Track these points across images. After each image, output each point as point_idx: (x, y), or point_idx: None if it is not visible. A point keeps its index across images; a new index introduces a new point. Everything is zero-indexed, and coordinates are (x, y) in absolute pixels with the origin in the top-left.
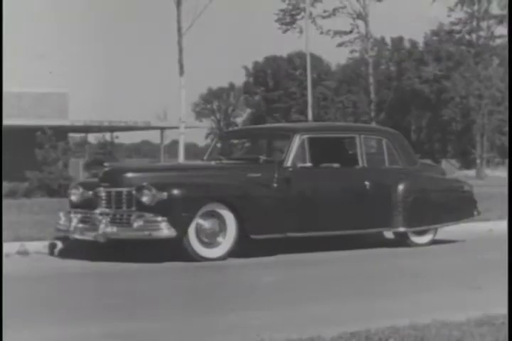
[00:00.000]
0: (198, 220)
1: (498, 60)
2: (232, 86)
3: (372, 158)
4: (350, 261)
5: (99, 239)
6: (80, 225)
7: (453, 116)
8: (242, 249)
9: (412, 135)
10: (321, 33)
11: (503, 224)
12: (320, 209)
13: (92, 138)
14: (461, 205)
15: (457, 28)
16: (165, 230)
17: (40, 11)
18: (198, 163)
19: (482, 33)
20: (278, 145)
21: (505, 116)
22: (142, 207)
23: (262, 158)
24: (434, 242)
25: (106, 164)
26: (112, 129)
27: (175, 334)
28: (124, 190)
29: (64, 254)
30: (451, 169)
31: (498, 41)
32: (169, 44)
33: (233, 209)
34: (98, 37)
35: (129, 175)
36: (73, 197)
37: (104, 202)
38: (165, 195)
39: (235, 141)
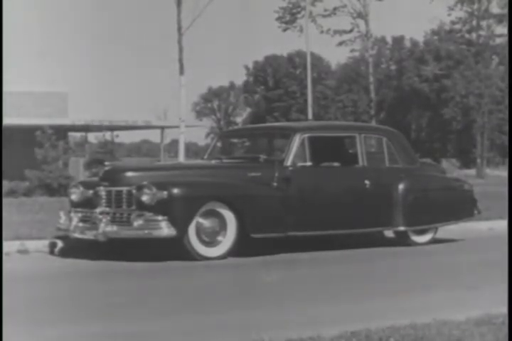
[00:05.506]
0: (198, 219)
1: (498, 59)
2: (232, 85)
3: (373, 157)
4: (351, 260)
5: (100, 238)
6: (80, 224)
7: (453, 115)
8: (242, 248)
9: (412, 134)
10: (321, 32)
11: (504, 223)
12: (320, 208)
13: (92, 137)
14: (461, 204)
15: (457, 27)
16: (165, 229)
17: (40, 11)
18: (198, 162)
19: (482, 32)
20: (278, 145)
21: (506, 115)
22: (142, 206)
23: (262, 157)
24: (434, 241)
25: (106, 163)
26: (112, 128)
27: (175, 334)
28: (125, 189)
29: (64, 253)
30: (451, 168)
31: (498, 40)
32: (169, 43)
33: (233, 208)
34: (98, 36)
35: (129, 174)
36: (73, 196)
37: (104, 201)
38: (165, 194)
39: (235, 140)
